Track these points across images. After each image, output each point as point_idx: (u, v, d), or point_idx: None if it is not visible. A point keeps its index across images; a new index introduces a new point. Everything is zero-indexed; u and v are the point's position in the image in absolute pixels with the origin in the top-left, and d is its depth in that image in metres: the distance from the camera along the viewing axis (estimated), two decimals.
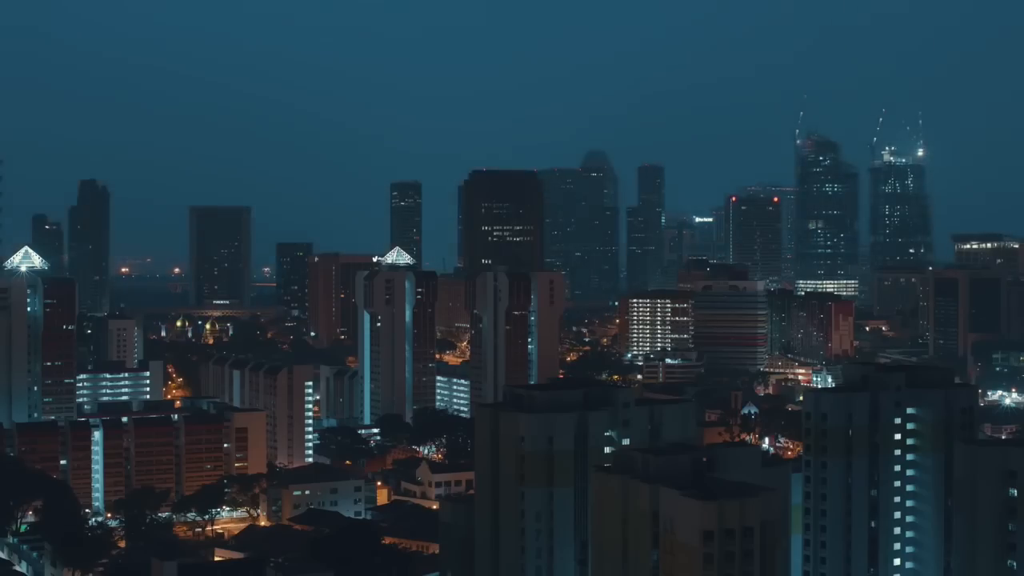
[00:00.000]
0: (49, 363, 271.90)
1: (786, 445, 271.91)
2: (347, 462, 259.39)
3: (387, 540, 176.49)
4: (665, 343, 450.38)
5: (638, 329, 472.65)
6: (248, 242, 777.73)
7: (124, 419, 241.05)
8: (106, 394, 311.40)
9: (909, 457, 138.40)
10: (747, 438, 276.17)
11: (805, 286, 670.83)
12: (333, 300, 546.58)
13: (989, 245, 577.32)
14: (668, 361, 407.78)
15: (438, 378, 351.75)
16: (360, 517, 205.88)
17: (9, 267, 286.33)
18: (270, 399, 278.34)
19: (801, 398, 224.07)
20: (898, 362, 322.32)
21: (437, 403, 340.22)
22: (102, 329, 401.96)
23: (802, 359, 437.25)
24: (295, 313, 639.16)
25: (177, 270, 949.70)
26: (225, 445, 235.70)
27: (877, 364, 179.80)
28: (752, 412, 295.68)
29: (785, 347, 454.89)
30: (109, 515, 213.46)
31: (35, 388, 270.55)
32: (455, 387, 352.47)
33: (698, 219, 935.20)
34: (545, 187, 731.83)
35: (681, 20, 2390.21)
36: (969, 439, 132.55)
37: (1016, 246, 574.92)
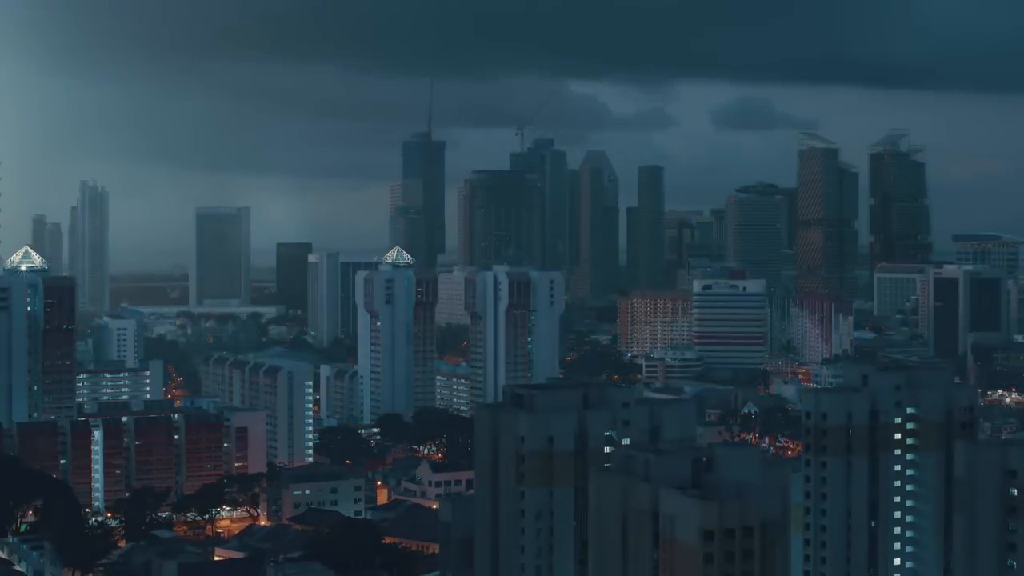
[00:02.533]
0: (49, 363, 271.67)
1: (786, 445, 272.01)
2: (347, 462, 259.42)
3: (387, 540, 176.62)
4: (665, 343, 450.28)
5: (638, 329, 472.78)
6: (248, 242, 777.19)
7: (124, 419, 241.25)
8: (106, 394, 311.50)
9: (909, 457, 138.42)
10: (747, 438, 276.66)
11: (806, 286, 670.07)
12: (333, 300, 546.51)
13: (989, 245, 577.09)
14: (668, 361, 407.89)
15: (438, 378, 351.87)
16: (360, 517, 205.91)
17: (9, 267, 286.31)
18: (270, 399, 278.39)
19: (801, 398, 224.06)
20: (898, 362, 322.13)
21: (437, 403, 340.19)
22: (102, 329, 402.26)
23: (802, 359, 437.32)
24: (295, 313, 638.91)
25: (177, 270, 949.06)
26: (225, 445, 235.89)
27: (877, 364, 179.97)
28: (752, 412, 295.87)
29: (785, 347, 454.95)
30: (109, 515, 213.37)
31: (35, 388, 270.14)
32: (455, 387, 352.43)
33: (698, 219, 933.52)
34: (545, 187, 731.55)
35: None
36: (969, 439, 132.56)
37: (1016, 246, 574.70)
